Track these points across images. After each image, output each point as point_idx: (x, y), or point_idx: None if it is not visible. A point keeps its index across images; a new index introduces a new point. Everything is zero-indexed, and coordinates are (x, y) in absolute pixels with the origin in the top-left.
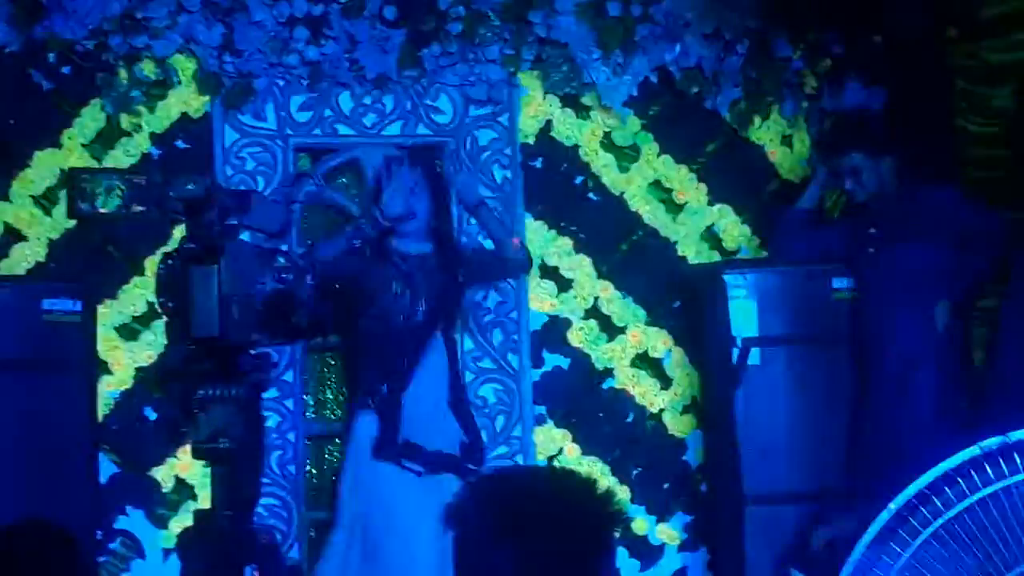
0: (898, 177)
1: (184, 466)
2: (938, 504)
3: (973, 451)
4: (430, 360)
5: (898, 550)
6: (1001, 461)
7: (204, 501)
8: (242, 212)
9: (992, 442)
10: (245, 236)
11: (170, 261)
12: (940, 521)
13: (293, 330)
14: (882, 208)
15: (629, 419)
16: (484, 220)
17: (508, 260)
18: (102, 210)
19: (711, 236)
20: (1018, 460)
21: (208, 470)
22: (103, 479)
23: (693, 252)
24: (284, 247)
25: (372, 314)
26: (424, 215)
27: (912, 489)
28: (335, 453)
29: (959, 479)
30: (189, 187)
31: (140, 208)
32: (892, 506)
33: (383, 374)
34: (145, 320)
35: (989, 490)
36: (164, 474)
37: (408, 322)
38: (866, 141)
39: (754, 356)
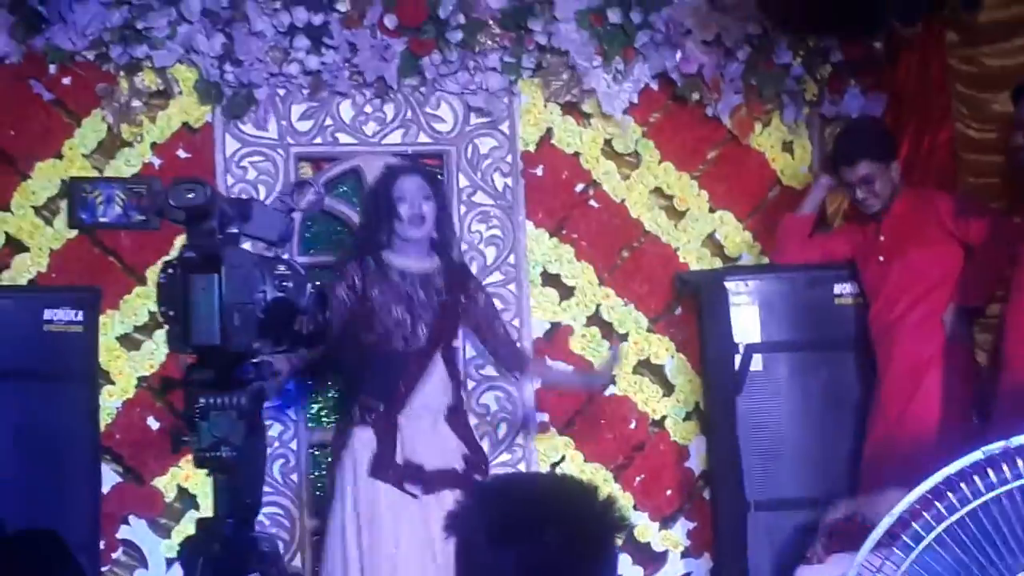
0: (903, 183)
1: (186, 475)
2: (941, 508)
3: (976, 455)
4: (429, 378)
5: (901, 555)
6: (1004, 466)
7: (206, 510)
8: (243, 220)
9: (995, 447)
10: (246, 245)
11: (171, 270)
12: (943, 526)
13: (294, 338)
14: (888, 214)
15: (632, 426)
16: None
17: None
18: (102, 219)
19: (712, 243)
20: (1021, 464)
21: (210, 479)
22: (105, 488)
23: (695, 259)
24: (285, 255)
25: (373, 335)
26: (431, 225)
27: (915, 494)
28: None
29: (962, 483)
30: (189, 195)
31: (140, 217)
32: (895, 510)
33: (381, 393)
34: (147, 330)
35: (992, 495)
36: (166, 483)
37: (408, 344)
38: (874, 148)
39: (756, 362)
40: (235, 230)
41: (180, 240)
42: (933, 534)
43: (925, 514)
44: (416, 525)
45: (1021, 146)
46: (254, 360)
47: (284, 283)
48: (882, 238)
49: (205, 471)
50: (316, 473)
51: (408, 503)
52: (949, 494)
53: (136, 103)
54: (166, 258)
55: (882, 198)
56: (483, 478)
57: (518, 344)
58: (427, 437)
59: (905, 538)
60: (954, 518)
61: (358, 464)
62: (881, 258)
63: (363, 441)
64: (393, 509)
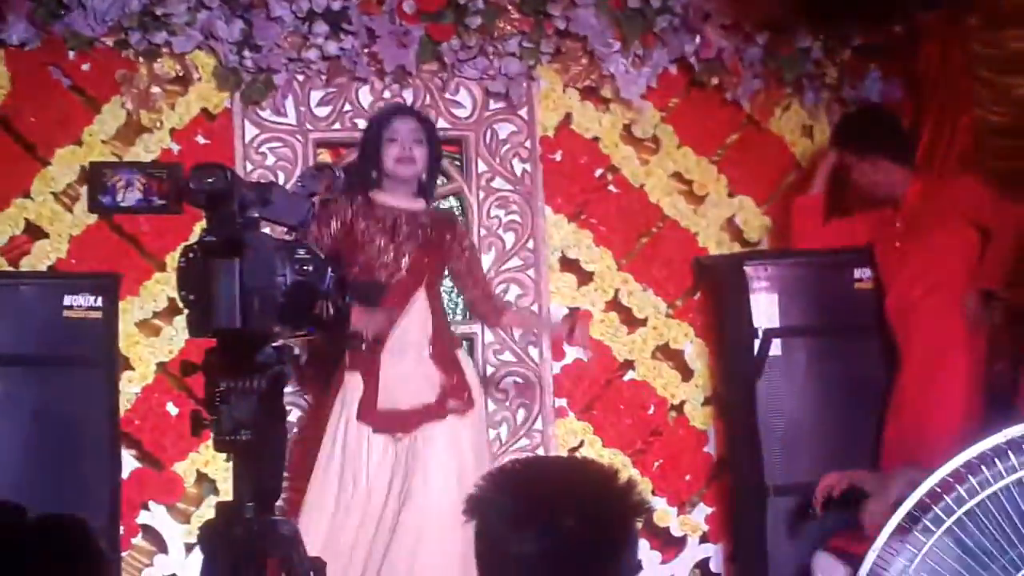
0: (917, 169)
1: (205, 460)
2: (962, 492)
3: (996, 439)
4: (411, 312)
5: (922, 539)
6: None
7: (226, 494)
8: (263, 205)
9: (1015, 431)
10: (265, 229)
11: (191, 254)
12: (964, 508)
13: (314, 322)
14: (904, 199)
15: (650, 411)
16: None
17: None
18: (123, 204)
19: (732, 227)
20: None
21: (229, 463)
22: (125, 474)
23: (714, 243)
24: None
25: (355, 266)
26: (421, 167)
27: (935, 477)
28: None
29: (982, 467)
30: (209, 180)
31: (161, 201)
32: (916, 493)
33: (364, 330)
34: (167, 316)
35: (1013, 478)
36: (186, 468)
37: (391, 274)
38: (886, 143)
39: (775, 347)
40: (255, 214)
41: (199, 226)
42: (954, 517)
43: (946, 497)
44: (385, 461)
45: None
46: (274, 344)
47: (304, 267)
48: (898, 224)
49: (225, 455)
50: None
51: (382, 441)
52: (970, 477)
53: (155, 89)
54: (186, 243)
55: (886, 190)
56: (460, 403)
57: (494, 296)
58: (408, 375)
59: (926, 521)
60: (975, 501)
61: (347, 407)
62: (898, 244)
63: (354, 385)
64: (370, 448)
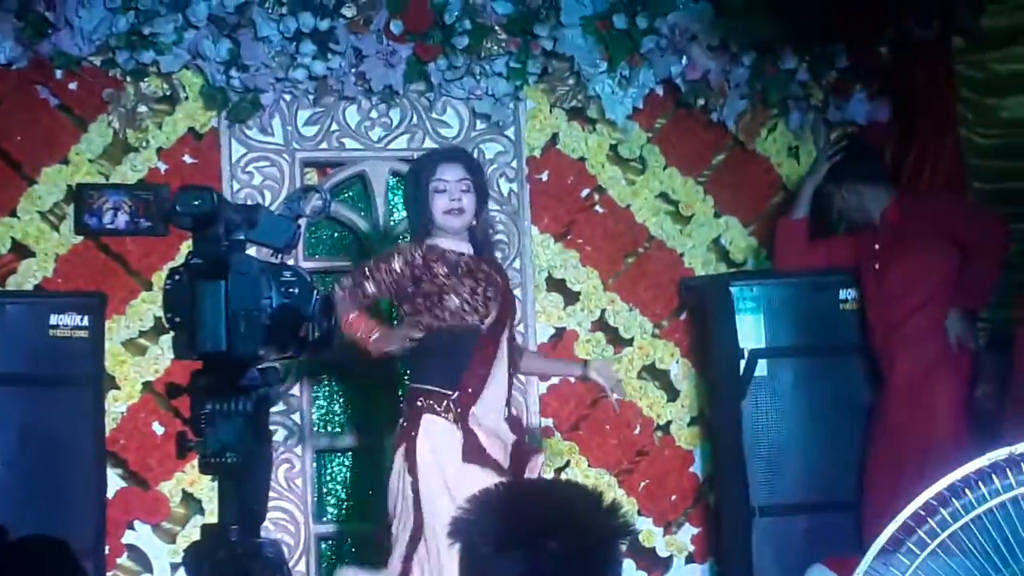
0: (899, 190)
1: (191, 480)
2: (945, 515)
3: (980, 462)
4: (498, 366)
5: (905, 561)
6: (1008, 472)
7: (211, 515)
8: (249, 227)
9: (999, 453)
10: (251, 251)
11: (177, 276)
12: (948, 532)
13: (300, 345)
14: (885, 221)
15: (636, 431)
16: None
17: None
18: (109, 226)
19: (718, 248)
20: None
21: (215, 484)
22: (110, 494)
23: (700, 264)
24: (290, 262)
25: (441, 314)
26: (470, 216)
27: (919, 500)
28: (343, 466)
29: (966, 490)
30: (196, 202)
31: (147, 224)
32: (900, 517)
33: (452, 382)
34: (153, 335)
35: (996, 501)
36: (171, 488)
37: (481, 321)
38: (866, 170)
39: (761, 368)
40: (241, 236)
41: (186, 246)
42: (938, 540)
43: (930, 520)
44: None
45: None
46: (260, 366)
47: (290, 289)
48: (877, 246)
49: (210, 477)
50: (322, 480)
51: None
52: (954, 500)
53: (142, 108)
54: (172, 264)
55: (867, 216)
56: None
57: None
58: (491, 439)
59: (910, 544)
60: (959, 524)
61: (438, 450)
62: (876, 265)
63: (437, 425)
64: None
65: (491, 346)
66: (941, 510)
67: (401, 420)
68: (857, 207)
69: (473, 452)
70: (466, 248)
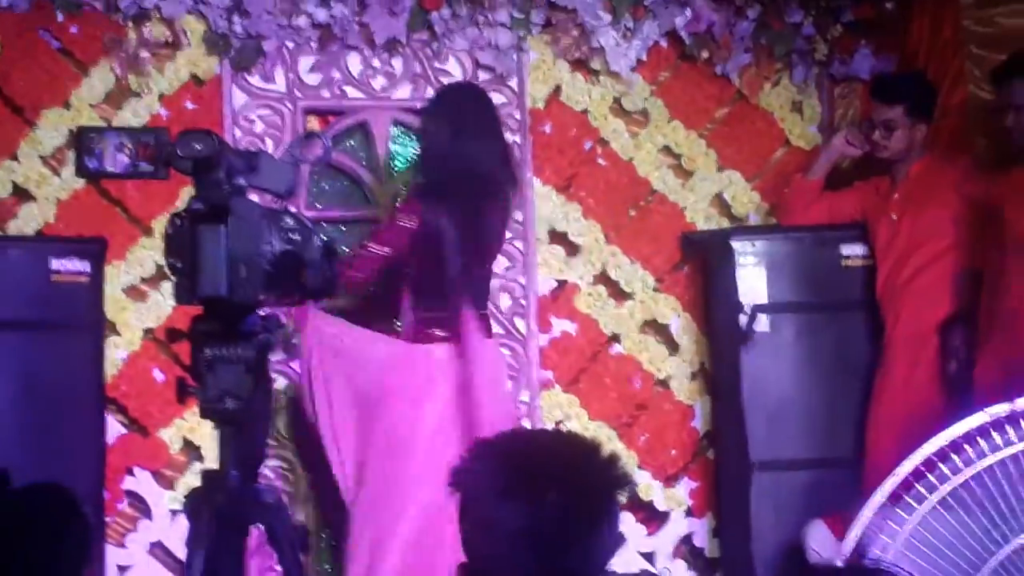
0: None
1: (191, 427)
2: (945, 470)
3: (980, 418)
4: None
5: (904, 516)
6: (1009, 428)
7: (211, 462)
8: (250, 172)
9: (999, 409)
10: (253, 197)
11: (178, 221)
12: (947, 487)
13: (301, 291)
14: (905, 176)
15: (637, 385)
16: None
17: None
18: (110, 168)
19: (720, 202)
20: None
21: (215, 430)
22: (110, 440)
23: (702, 218)
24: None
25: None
26: None
27: (918, 455)
28: None
29: (967, 445)
30: (197, 146)
31: (148, 167)
32: (899, 471)
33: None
34: (153, 281)
35: (996, 457)
36: (171, 435)
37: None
38: (914, 100)
39: (762, 323)
40: (242, 182)
41: (186, 192)
42: (936, 495)
43: (929, 475)
44: None
45: (1010, 127)
46: (261, 313)
47: (291, 235)
48: (896, 196)
49: (211, 423)
50: None
51: None
52: (953, 456)
53: (144, 54)
54: (173, 209)
55: (893, 151)
56: None
57: None
58: None
59: (908, 499)
60: (958, 480)
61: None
62: (894, 215)
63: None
64: None
65: None
66: (940, 465)
67: None
68: (892, 139)
69: None
70: None
